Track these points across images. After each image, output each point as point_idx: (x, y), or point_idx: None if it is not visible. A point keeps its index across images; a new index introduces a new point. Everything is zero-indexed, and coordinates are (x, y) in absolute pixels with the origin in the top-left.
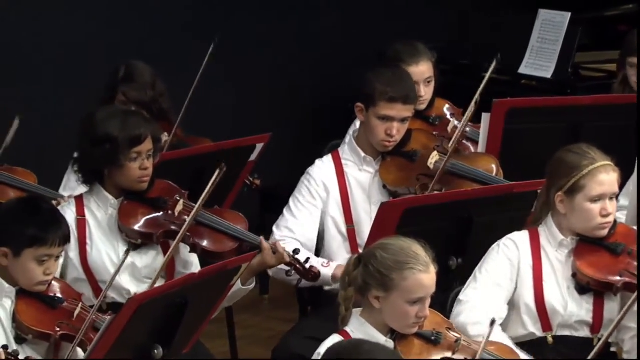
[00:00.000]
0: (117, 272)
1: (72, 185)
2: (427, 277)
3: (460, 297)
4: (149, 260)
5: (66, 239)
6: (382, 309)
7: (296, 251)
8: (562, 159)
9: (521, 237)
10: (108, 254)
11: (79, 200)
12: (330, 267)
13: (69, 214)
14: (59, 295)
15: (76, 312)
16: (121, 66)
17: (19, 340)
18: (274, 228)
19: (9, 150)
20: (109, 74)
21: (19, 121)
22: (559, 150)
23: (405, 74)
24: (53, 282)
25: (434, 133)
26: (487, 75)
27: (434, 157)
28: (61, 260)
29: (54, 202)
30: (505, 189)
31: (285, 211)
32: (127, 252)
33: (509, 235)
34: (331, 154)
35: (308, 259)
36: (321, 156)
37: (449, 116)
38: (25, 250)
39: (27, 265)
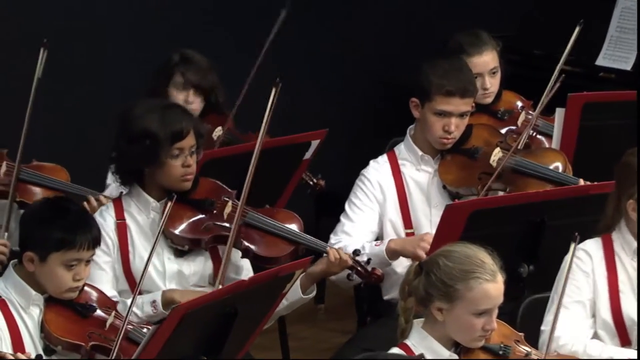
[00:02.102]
0: (147, 266)
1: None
2: (494, 287)
3: (542, 326)
4: (197, 267)
5: (96, 242)
6: (446, 321)
7: (357, 252)
8: (630, 164)
9: (593, 246)
10: (152, 262)
11: (118, 203)
12: (383, 243)
13: (108, 218)
14: (91, 302)
15: (109, 322)
16: (173, 54)
17: (48, 351)
18: (331, 235)
19: (40, 145)
20: (161, 64)
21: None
22: (626, 152)
23: (463, 64)
24: (85, 289)
25: (505, 129)
26: (561, 61)
27: (497, 153)
28: (109, 264)
29: (91, 199)
30: (581, 191)
31: (341, 217)
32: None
33: (580, 246)
34: (386, 154)
35: (369, 260)
36: (380, 155)
37: (519, 109)
38: (51, 255)
39: (55, 271)
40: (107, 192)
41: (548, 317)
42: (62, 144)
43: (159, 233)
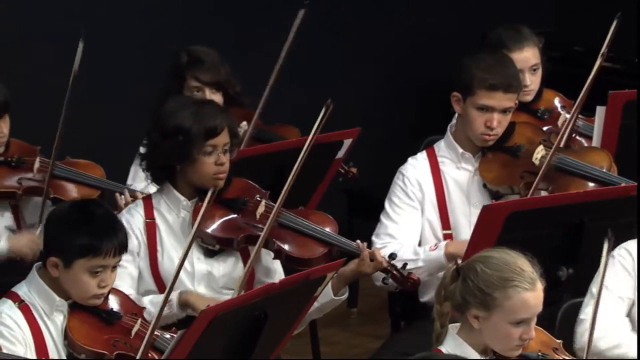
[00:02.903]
0: (181, 265)
1: (141, 175)
2: (533, 296)
3: (581, 315)
4: (228, 268)
5: (123, 248)
6: (482, 329)
7: (392, 256)
8: None
9: (634, 246)
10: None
11: (148, 201)
12: (440, 247)
13: (137, 216)
14: (116, 309)
15: (135, 329)
16: (180, 52)
17: (72, 359)
18: (373, 237)
19: (73, 142)
20: (170, 64)
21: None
22: None
23: (507, 59)
24: (110, 295)
25: (544, 129)
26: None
27: (540, 151)
28: (131, 262)
29: (126, 193)
30: (622, 192)
31: (382, 217)
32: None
33: (622, 245)
34: (425, 151)
35: (405, 264)
36: (415, 153)
37: (559, 109)
38: (76, 261)
39: (79, 277)
40: (131, 175)
41: (587, 309)
42: (96, 141)
43: (193, 233)
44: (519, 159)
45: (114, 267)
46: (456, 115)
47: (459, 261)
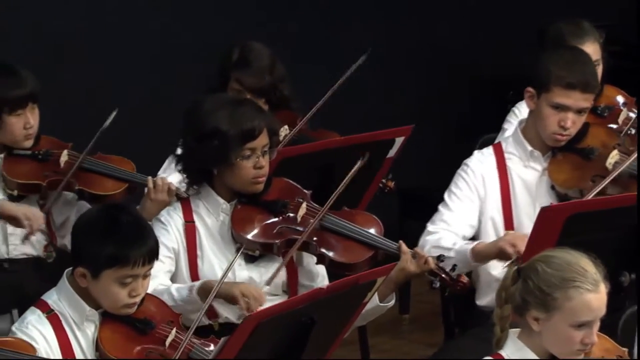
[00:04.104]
0: (225, 274)
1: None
2: (595, 297)
3: None
4: (270, 274)
5: (152, 256)
6: (542, 332)
7: (441, 258)
8: None
9: None
10: (222, 267)
11: (186, 203)
12: (471, 243)
13: (176, 218)
14: (151, 317)
15: (169, 339)
16: (234, 47)
17: None
18: (428, 223)
19: (106, 140)
20: (221, 57)
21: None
22: None
23: (586, 57)
24: (145, 302)
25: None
26: None
27: (614, 156)
28: (169, 259)
29: (157, 179)
30: None
31: (440, 206)
32: (237, 251)
33: None
34: (492, 146)
35: (455, 266)
36: (470, 153)
37: (620, 106)
38: (104, 272)
39: (109, 288)
40: (163, 168)
41: None
42: (129, 139)
43: (237, 253)
44: (591, 162)
45: (146, 275)
46: (515, 110)
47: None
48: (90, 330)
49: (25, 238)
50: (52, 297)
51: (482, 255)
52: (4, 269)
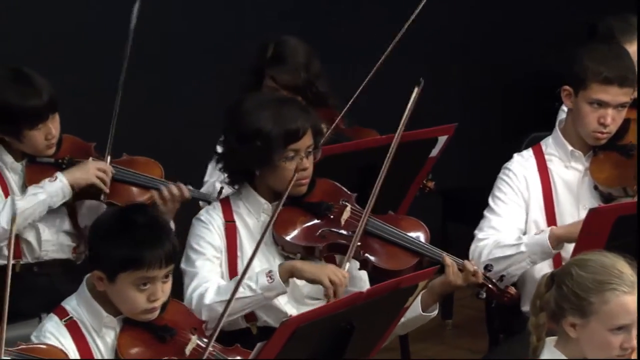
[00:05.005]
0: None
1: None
2: (632, 300)
3: None
4: None
5: (170, 258)
6: (579, 338)
7: (488, 267)
8: None
9: None
10: (262, 269)
11: (226, 203)
12: (545, 231)
13: (216, 218)
14: (173, 324)
15: (189, 347)
16: (269, 43)
17: None
18: (476, 231)
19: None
20: (256, 53)
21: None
22: None
23: (622, 50)
24: (169, 307)
25: None
26: None
27: None
28: (218, 259)
29: (163, 189)
30: None
31: (485, 212)
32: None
33: None
34: (532, 148)
35: (503, 276)
36: (514, 151)
37: None
38: (119, 275)
39: (126, 292)
40: (204, 189)
41: None
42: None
43: (262, 235)
44: (633, 159)
45: (166, 278)
46: (562, 109)
47: (563, 254)
48: (110, 337)
49: (103, 197)
50: (71, 303)
51: (564, 239)
52: (34, 273)
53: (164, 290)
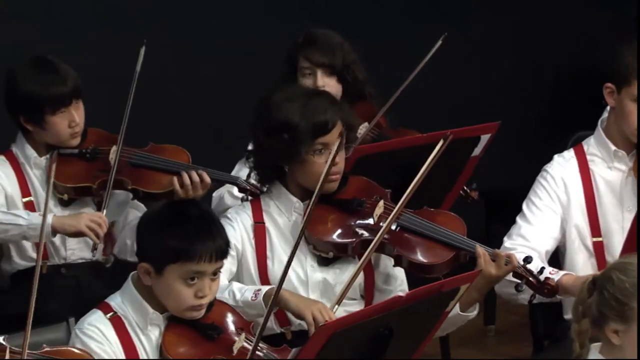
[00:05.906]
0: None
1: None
2: None
3: None
4: (345, 276)
5: (221, 254)
6: (623, 345)
7: (528, 259)
8: None
9: None
10: (294, 270)
11: (256, 203)
12: (558, 274)
13: (245, 218)
14: (220, 323)
15: (237, 345)
16: (300, 35)
17: None
18: (505, 238)
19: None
20: (289, 46)
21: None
22: None
23: None
24: (215, 308)
25: None
26: None
27: None
28: (234, 267)
29: (183, 174)
30: None
31: (518, 218)
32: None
33: None
34: (573, 149)
35: (543, 268)
36: (558, 151)
37: None
38: (168, 267)
39: (173, 285)
40: (215, 198)
41: None
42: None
43: (298, 240)
44: None
45: (215, 275)
46: (608, 108)
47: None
48: (155, 334)
49: (94, 249)
50: (115, 300)
51: (568, 292)
52: (61, 274)
53: (211, 287)
